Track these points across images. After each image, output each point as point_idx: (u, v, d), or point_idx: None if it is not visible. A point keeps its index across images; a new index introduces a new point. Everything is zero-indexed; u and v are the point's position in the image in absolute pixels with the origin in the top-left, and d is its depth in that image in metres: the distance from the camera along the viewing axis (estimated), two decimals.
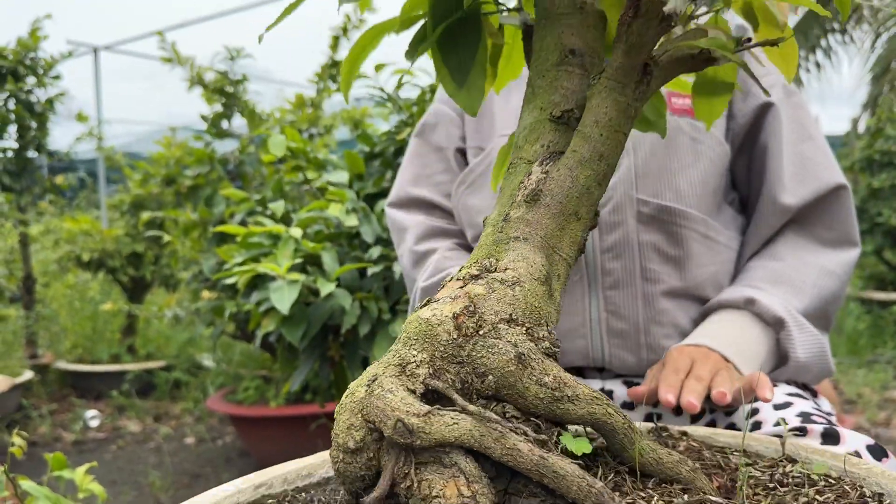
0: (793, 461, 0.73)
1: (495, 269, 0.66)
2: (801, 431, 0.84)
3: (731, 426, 0.99)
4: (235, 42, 3.89)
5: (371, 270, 1.94)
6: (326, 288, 1.78)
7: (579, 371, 1.18)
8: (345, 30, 3.91)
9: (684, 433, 0.80)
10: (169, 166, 3.80)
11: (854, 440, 0.81)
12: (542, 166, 0.70)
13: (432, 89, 2.26)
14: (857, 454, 0.79)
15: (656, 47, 0.69)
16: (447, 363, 0.61)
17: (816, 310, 1.10)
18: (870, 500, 0.62)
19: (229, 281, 1.94)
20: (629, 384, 1.12)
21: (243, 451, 3.49)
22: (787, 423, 0.88)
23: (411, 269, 1.27)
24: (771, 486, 0.66)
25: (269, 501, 0.70)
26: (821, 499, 0.62)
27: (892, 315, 5.09)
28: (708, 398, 0.95)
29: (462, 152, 1.31)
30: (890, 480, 0.65)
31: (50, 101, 4.81)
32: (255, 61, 3.99)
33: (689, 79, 0.85)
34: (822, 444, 0.82)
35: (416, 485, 0.56)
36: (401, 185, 1.35)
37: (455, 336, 0.61)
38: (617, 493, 0.60)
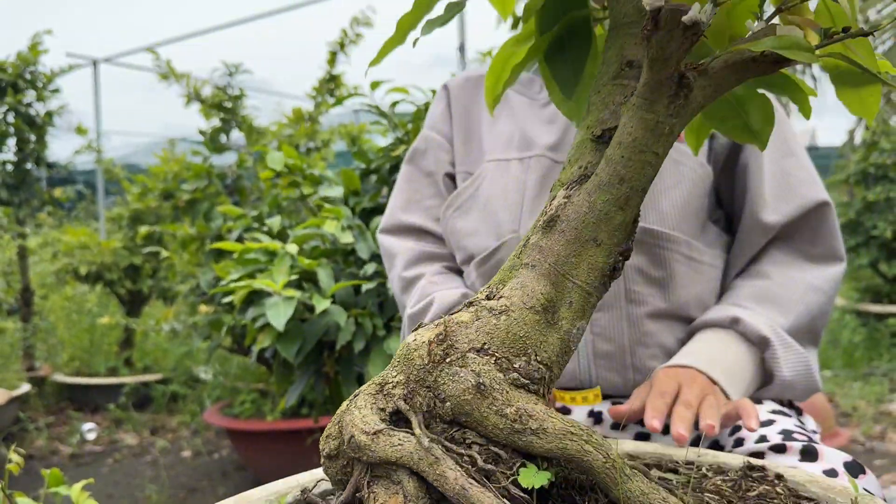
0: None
1: (495, 296, 0.68)
2: (781, 449, 0.86)
3: (715, 444, 1.00)
4: (233, 54, 3.93)
5: (366, 287, 1.95)
6: (322, 304, 1.80)
7: None
8: (342, 45, 3.94)
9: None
10: (167, 180, 3.82)
11: (832, 457, 0.84)
12: (567, 190, 0.68)
13: (427, 107, 2.28)
14: (834, 472, 0.81)
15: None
16: (419, 386, 0.65)
17: (803, 326, 1.11)
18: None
19: (227, 298, 1.96)
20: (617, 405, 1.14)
21: (240, 464, 3.49)
22: (768, 440, 0.91)
23: (400, 296, 1.29)
24: None
25: None
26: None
27: (888, 328, 5.11)
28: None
29: (451, 177, 1.33)
30: (826, 489, 0.68)
31: (49, 115, 4.84)
32: (252, 74, 4.00)
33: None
34: (801, 461, 0.84)
35: (367, 495, 0.61)
36: (392, 212, 1.36)
37: (426, 361, 0.65)
38: None
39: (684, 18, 0.54)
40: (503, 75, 0.81)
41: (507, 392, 0.62)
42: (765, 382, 1.09)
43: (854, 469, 0.83)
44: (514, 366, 0.64)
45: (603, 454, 0.60)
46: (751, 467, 0.75)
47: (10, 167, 4.81)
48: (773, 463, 0.77)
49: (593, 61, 0.76)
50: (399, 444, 0.60)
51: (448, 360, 0.64)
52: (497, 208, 1.18)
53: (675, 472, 0.78)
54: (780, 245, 1.16)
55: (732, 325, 1.08)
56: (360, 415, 0.63)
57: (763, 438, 0.92)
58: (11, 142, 4.78)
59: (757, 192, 1.15)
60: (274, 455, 3.05)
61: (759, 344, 1.07)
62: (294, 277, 1.88)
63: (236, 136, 3.92)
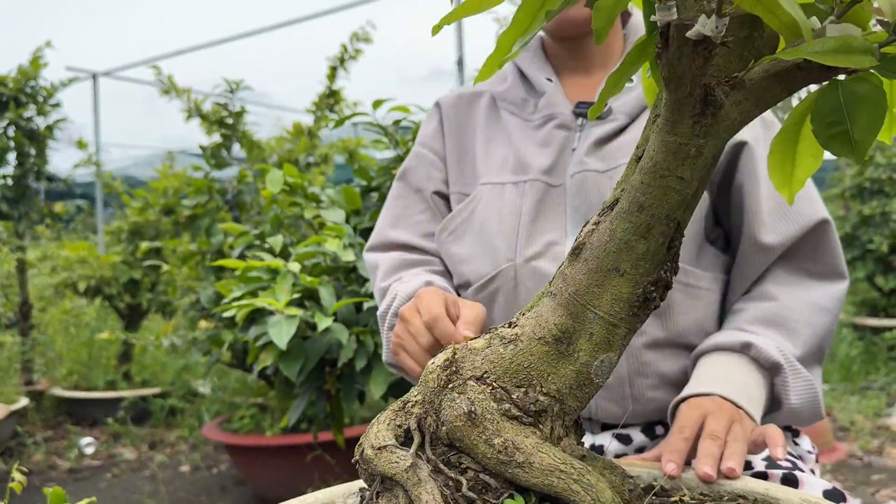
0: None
1: (514, 323, 0.69)
2: (763, 477, 0.89)
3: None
4: (232, 68, 3.94)
5: (367, 305, 1.97)
6: (324, 322, 1.81)
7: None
8: (342, 60, 3.97)
9: None
10: (168, 195, 3.83)
11: (812, 485, 0.86)
12: (599, 216, 0.66)
13: None
14: None
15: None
16: (431, 408, 0.67)
17: (812, 347, 1.09)
18: None
19: (228, 314, 1.97)
20: (619, 438, 1.12)
21: (239, 479, 3.49)
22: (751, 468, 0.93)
23: (379, 304, 1.26)
24: None
25: None
26: None
27: (885, 341, 5.12)
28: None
29: (442, 195, 1.31)
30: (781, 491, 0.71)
31: (49, 128, 4.85)
32: (252, 89, 4.02)
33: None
34: None
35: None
36: (380, 229, 1.34)
37: (435, 385, 0.67)
38: None
39: (689, 34, 0.51)
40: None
41: (498, 422, 0.63)
42: (772, 408, 1.07)
43: (835, 496, 0.85)
44: (512, 396, 0.65)
45: (592, 496, 0.61)
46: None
47: (9, 181, 4.82)
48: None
49: None
50: (395, 462, 0.64)
51: (450, 385, 0.66)
52: (492, 235, 1.17)
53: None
54: (783, 264, 1.14)
55: (744, 349, 1.05)
56: (376, 429, 0.68)
57: (748, 465, 0.93)
58: (11, 156, 4.79)
59: (754, 213, 1.13)
60: (273, 470, 3.05)
61: (771, 369, 1.05)
62: (296, 295, 1.89)
63: (237, 150, 3.93)
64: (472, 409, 0.64)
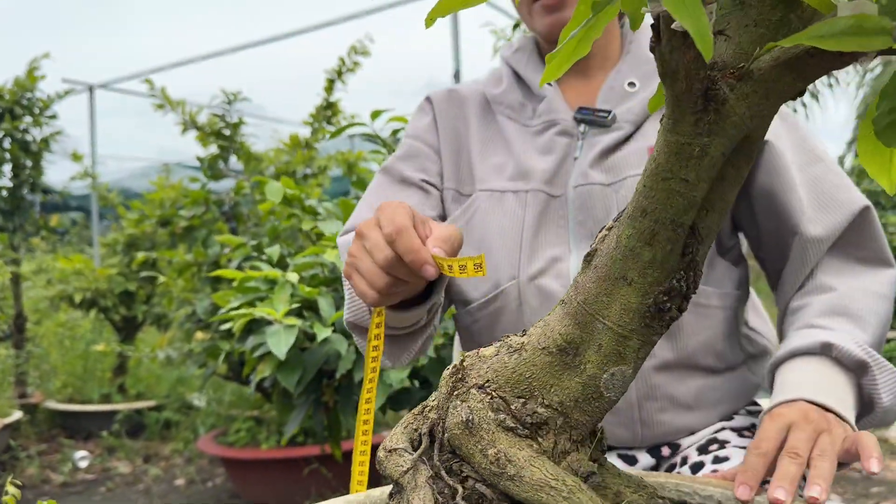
0: None
1: (525, 332, 0.67)
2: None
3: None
4: (229, 80, 3.94)
5: None
6: (323, 333, 1.79)
7: None
8: (339, 73, 3.97)
9: None
10: (164, 207, 3.82)
11: None
12: (614, 222, 0.62)
13: None
14: None
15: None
16: (442, 413, 0.67)
17: (879, 336, 1.01)
18: None
19: (225, 326, 1.95)
20: (625, 458, 1.09)
21: (234, 493, 3.45)
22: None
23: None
24: None
25: None
26: None
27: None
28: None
29: (433, 185, 1.22)
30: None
31: (45, 140, 4.84)
32: (250, 100, 4.02)
33: None
34: None
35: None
36: (355, 217, 1.21)
37: (446, 391, 0.67)
38: None
39: (673, 26, 0.47)
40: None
41: (494, 433, 0.62)
42: (863, 412, 0.97)
43: None
44: (511, 407, 0.63)
45: None
46: None
47: (4, 193, 4.80)
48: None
49: None
50: (400, 466, 0.64)
51: (455, 392, 0.66)
52: (493, 250, 1.11)
53: None
54: (830, 253, 1.08)
55: (825, 351, 0.96)
56: (393, 432, 0.68)
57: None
58: (7, 167, 4.77)
59: (794, 209, 1.06)
60: (269, 484, 3.02)
61: (857, 369, 0.95)
62: (295, 306, 1.88)
63: (234, 162, 3.93)
64: (470, 417, 0.63)
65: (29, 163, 4.80)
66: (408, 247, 0.78)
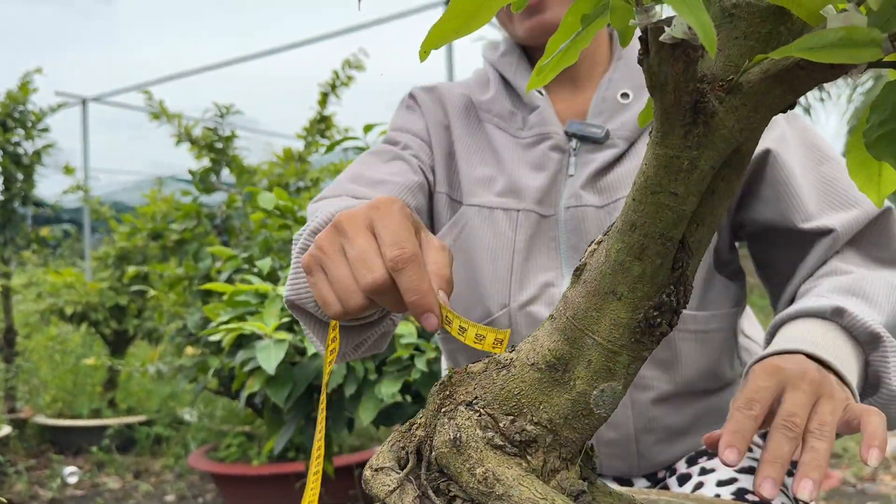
0: None
1: (515, 348, 0.66)
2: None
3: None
4: (222, 94, 3.94)
5: None
6: (313, 347, 1.78)
7: None
8: (333, 87, 3.97)
9: None
10: (156, 220, 3.81)
11: None
12: (603, 236, 0.61)
13: None
14: None
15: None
16: (430, 430, 0.65)
17: (892, 327, 0.91)
18: None
19: (214, 338, 1.93)
20: (622, 483, 1.07)
21: None
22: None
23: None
24: None
25: None
26: None
27: None
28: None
29: (423, 172, 1.13)
30: None
31: (37, 153, 4.82)
32: (243, 113, 4.02)
33: None
34: None
35: None
36: (336, 188, 1.04)
37: (434, 408, 0.65)
38: None
39: (662, 38, 0.46)
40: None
41: (482, 451, 0.61)
42: (865, 392, 0.89)
43: None
44: (499, 425, 0.62)
45: None
46: None
47: None
48: None
49: None
50: (386, 485, 0.62)
51: (443, 409, 0.64)
52: (483, 274, 1.05)
53: None
54: (847, 249, 1.00)
55: (835, 316, 0.86)
56: (380, 449, 0.67)
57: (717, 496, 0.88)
58: None
59: (805, 210, 0.99)
60: (260, 500, 2.99)
61: (869, 342, 0.85)
62: (285, 320, 1.86)
63: (225, 174, 3.92)
64: (458, 435, 0.62)
65: (20, 176, 4.79)
66: (415, 286, 0.63)
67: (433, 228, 1.15)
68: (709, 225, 0.59)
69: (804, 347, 0.79)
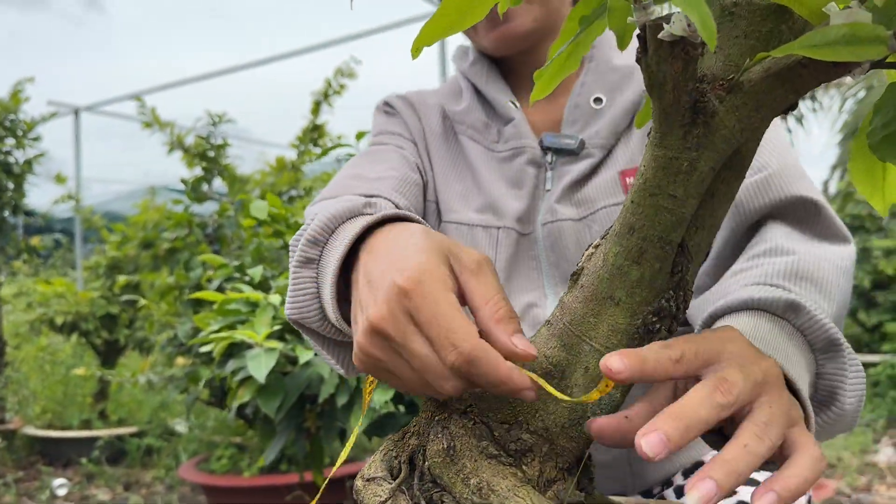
0: None
1: None
2: None
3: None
4: (214, 103, 3.93)
5: None
6: (305, 356, 1.76)
7: None
8: (326, 95, 3.97)
9: None
10: (147, 229, 3.79)
11: None
12: (601, 239, 0.59)
13: None
14: None
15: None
16: (423, 439, 0.63)
17: (840, 318, 0.81)
18: None
19: (205, 349, 1.91)
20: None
21: None
22: None
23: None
24: None
25: None
26: None
27: (870, 377, 5.12)
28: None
29: (418, 168, 1.09)
30: None
31: (28, 163, 4.80)
32: (235, 123, 4.01)
33: None
34: None
35: None
36: (331, 185, 0.99)
37: (427, 416, 0.64)
38: None
39: (661, 35, 0.45)
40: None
41: (477, 460, 0.59)
42: (818, 408, 0.74)
43: None
44: (494, 433, 0.60)
45: None
46: None
47: None
48: None
49: None
50: (378, 496, 0.61)
51: (436, 417, 0.63)
52: None
53: None
54: (779, 225, 0.90)
55: (788, 313, 0.72)
56: (371, 459, 0.65)
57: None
58: None
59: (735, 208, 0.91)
60: None
61: (824, 350, 0.72)
62: (276, 328, 1.84)
63: (218, 184, 3.91)
64: (452, 444, 0.60)
65: (11, 185, 4.76)
66: (491, 378, 0.55)
67: None
68: (709, 228, 0.58)
69: (765, 350, 0.65)
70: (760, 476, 0.86)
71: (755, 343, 0.65)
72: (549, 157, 1.04)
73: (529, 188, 1.03)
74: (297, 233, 0.80)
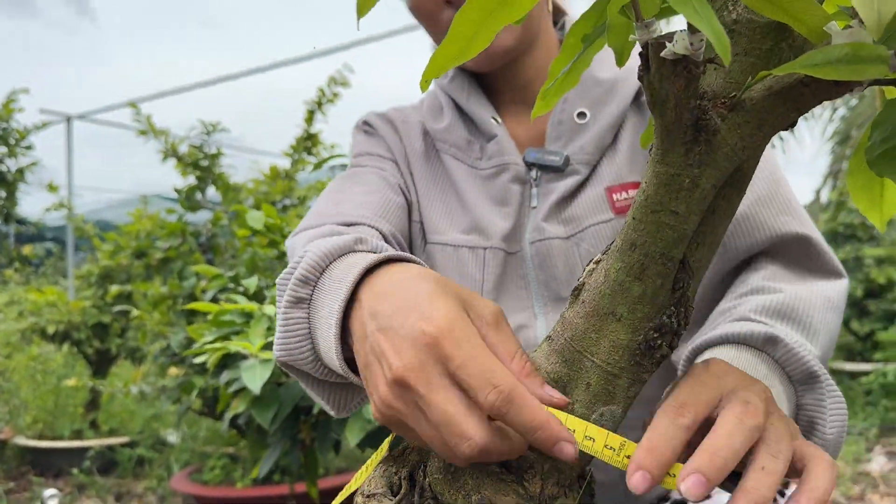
0: None
1: None
2: None
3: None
4: (207, 112, 3.94)
5: None
6: None
7: None
8: (319, 104, 3.97)
9: None
10: (140, 238, 3.78)
11: None
12: (602, 255, 0.59)
13: None
14: None
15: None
16: (424, 455, 0.64)
17: (826, 353, 0.83)
18: None
19: (199, 359, 1.90)
20: None
21: None
22: None
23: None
24: None
25: None
26: None
27: (862, 386, 5.13)
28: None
29: (401, 188, 1.08)
30: None
31: (21, 171, 4.79)
32: (229, 131, 4.01)
33: None
34: None
35: None
36: (311, 214, 0.98)
37: None
38: None
39: (663, 54, 0.45)
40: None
41: (477, 477, 0.59)
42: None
43: None
44: None
45: None
46: None
47: None
48: None
49: None
50: None
51: None
52: None
53: None
54: (770, 262, 0.91)
55: (767, 346, 0.74)
56: (371, 475, 0.65)
57: None
58: None
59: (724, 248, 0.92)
60: None
61: (803, 381, 0.74)
62: (271, 339, 1.84)
63: (211, 193, 3.90)
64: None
65: (3, 193, 4.75)
66: (528, 421, 0.53)
67: None
68: (710, 245, 0.58)
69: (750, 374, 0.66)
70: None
71: (740, 363, 0.69)
72: (533, 173, 1.02)
73: (515, 206, 1.01)
74: (286, 271, 0.77)
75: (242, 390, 1.76)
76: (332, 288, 0.69)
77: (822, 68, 0.43)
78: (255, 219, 2.15)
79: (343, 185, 1.04)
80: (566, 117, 1.03)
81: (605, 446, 0.56)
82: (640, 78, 0.49)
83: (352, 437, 1.76)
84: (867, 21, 0.41)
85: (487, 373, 0.53)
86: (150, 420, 4.82)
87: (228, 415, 1.78)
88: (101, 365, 4.76)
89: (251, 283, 2.15)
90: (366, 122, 1.15)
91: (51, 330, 4.44)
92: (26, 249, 5.17)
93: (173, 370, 3.19)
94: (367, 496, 0.63)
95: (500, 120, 1.06)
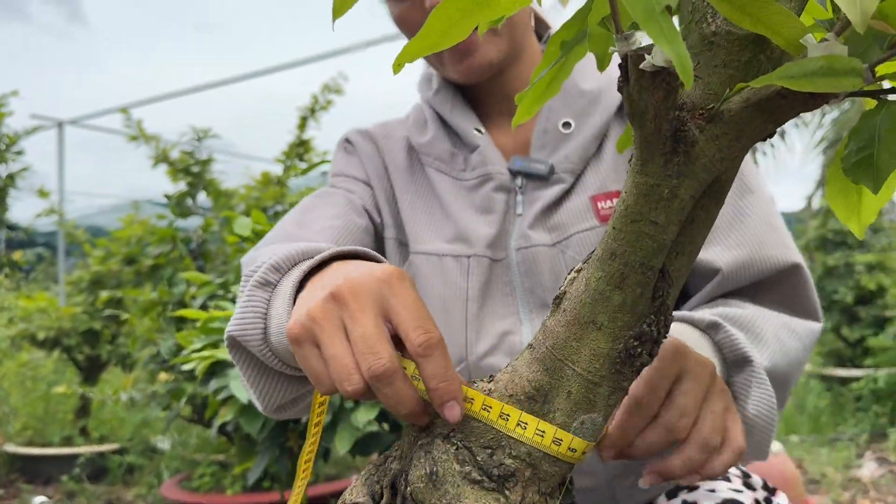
0: None
1: (493, 378, 0.64)
2: None
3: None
4: (199, 118, 3.94)
5: None
6: None
7: None
8: (312, 111, 3.97)
9: None
10: (130, 244, 3.77)
11: None
12: (583, 263, 0.60)
13: None
14: None
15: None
16: (406, 464, 0.63)
17: (777, 370, 0.88)
18: None
19: (188, 366, 1.90)
20: None
21: None
22: None
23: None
24: None
25: None
26: None
27: (852, 392, 5.15)
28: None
29: (368, 215, 1.10)
30: None
31: (11, 177, 4.77)
32: (220, 137, 4.00)
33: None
34: None
35: None
36: (275, 231, 1.00)
37: (411, 440, 0.64)
38: None
39: (642, 66, 0.46)
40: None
41: (459, 486, 0.59)
42: None
43: None
44: (477, 458, 0.60)
45: None
46: None
47: None
48: None
49: None
50: None
51: (419, 442, 0.63)
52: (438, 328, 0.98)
53: None
54: (747, 299, 0.96)
55: (710, 329, 0.83)
56: (353, 483, 0.66)
57: None
58: None
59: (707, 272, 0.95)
60: None
61: (735, 364, 0.83)
62: None
63: (202, 198, 3.89)
64: (434, 469, 0.60)
65: None
66: (441, 372, 0.58)
67: None
68: (689, 254, 0.58)
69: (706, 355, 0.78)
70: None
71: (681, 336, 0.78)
72: (518, 181, 1.04)
73: (499, 213, 1.02)
74: (245, 275, 0.82)
75: (231, 398, 1.76)
76: (295, 274, 0.74)
77: (799, 80, 0.44)
78: (243, 226, 2.14)
79: (312, 204, 1.07)
80: (551, 126, 1.05)
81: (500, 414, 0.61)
82: (619, 89, 0.49)
83: (341, 445, 1.76)
84: (851, 17, 0.42)
85: (422, 318, 0.60)
86: (140, 427, 4.80)
87: (217, 422, 1.78)
88: (91, 371, 4.74)
89: None
90: (347, 140, 1.17)
91: (41, 336, 4.42)
92: (17, 255, 5.15)
93: (163, 375, 3.18)
94: None
95: (483, 130, 1.08)
